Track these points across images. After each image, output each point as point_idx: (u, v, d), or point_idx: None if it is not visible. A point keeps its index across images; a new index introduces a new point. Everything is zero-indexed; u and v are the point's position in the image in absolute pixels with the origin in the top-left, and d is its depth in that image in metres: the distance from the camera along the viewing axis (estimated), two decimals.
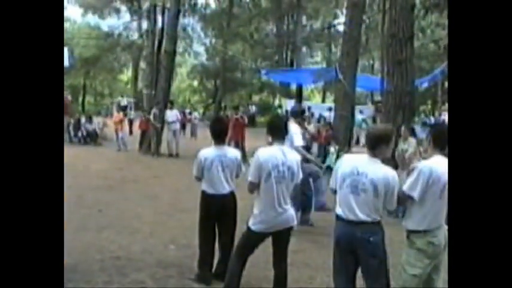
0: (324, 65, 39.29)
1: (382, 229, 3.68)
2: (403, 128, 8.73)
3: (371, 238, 3.57)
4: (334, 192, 3.83)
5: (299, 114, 7.42)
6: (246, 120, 16.22)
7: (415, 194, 3.59)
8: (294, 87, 36.26)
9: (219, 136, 4.92)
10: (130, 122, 21.23)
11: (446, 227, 3.84)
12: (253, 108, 36.60)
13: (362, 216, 3.56)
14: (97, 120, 20.58)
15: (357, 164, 3.66)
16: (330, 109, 19.41)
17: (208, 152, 4.81)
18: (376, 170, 3.58)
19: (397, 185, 3.61)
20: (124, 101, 33.97)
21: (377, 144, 3.65)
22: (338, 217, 3.72)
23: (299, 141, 6.61)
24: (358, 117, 20.92)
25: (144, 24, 34.42)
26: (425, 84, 26.04)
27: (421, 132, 12.97)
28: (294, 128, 6.57)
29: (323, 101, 40.27)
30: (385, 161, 3.73)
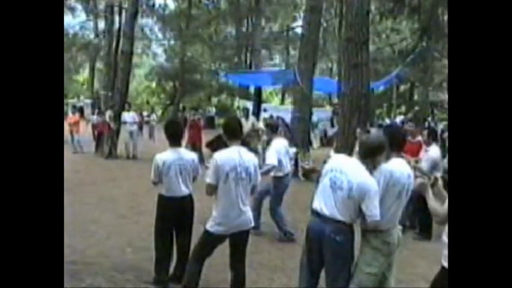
0: (283, 68, 39.53)
1: (352, 232, 3.73)
2: (358, 130, 8.90)
3: (338, 238, 3.63)
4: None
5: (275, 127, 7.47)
6: (202, 122, 16.19)
7: None
8: (253, 89, 36.38)
9: (174, 138, 4.90)
10: (93, 126, 20.74)
11: (399, 227, 3.97)
12: (212, 110, 36.52)
13: (335, 213, 3.62)
14: None
15: (343, 162, 3.76)
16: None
17: (165, 155, 4.78)
18: (356, 173, 3.63)
19: (377, 194, 3.61)
20: (80, 102, 33.26)
21: (371, 155, 3.69)
22: (313, 212, 3.79)
23: (271, 159, 6.53)
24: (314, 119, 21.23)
25: (101, 24, 33.83)
26: (381, 88, 26.64)
27: None
28: (275, 144, 6.73)
29: (282, 103, 40.51)
30: None
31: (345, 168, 3.66)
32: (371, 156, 3.68)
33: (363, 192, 3.57)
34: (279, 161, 6.57)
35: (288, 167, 6.93)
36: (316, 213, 3.74)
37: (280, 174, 6.72)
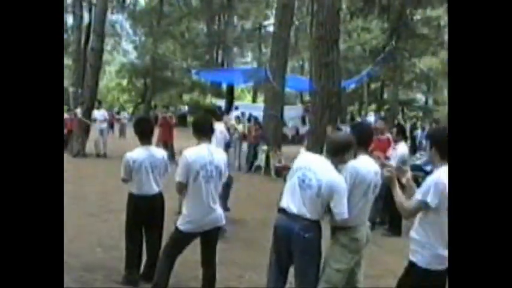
0: (255, 65, 39.61)
1: (320, 229, 3.73)
2: (328, 128, 8.98)
3: (306, 235, 3.62)
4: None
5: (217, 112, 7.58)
6: (174, 120, 16.11)
7: None
8: (225, 87, 36.34)
9: (144, 136, 4.85)
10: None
11: (368, 223, 4.02)
12: (184, 108, 36.33)
13: (303, 210, 3.62)
14: None
15: (311, 160, 3.74)
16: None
17: (137, 153, 4.74)
18: (325, 172, 3.63)
19: (345, 192, 3.63)
20: None
21: (339, 153, 3.71)
22: (280, 210, 3.78)
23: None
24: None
25: (70, 20, 33.24)
26: (352, 86, 26.95)
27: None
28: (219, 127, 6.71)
29: (254, 101, 40.56)
30: None
31: (313, 167, 3.67)
32: (339, 154, 3.71)
33: (332, 190, 3.59)
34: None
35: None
36: (283, 211, 3.73)
37: None
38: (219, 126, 6.64)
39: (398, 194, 3.41)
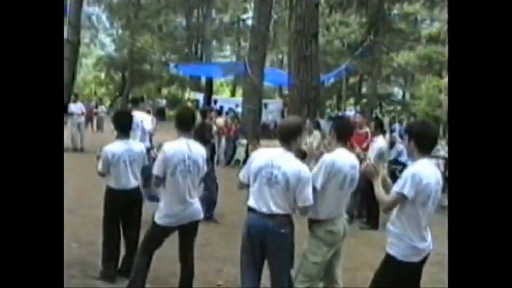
0: (234, 59, 39.52)
1: (292, 223, 3.72)
2: (307, 121, 9.01)
3: (282, 230, 3.61)
4: (246, 185, 3.82)
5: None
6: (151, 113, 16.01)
7: (317, 185, 3.73)
8: (203, 80, 36.18)
9: (123, 130, 4.80)
10: None
11: (345, 216, 4.04)
12: (162, 102, 36.07)
13: (274, 209, 3.59)
14: None
15: (271, 156, 3.68)
16: (237, 105, 19.70)
17: (115, 147, 4.68)
18: (288, 163, 3.62)
19: (309, 180, 3.65)
20: None
21: (290, 137, 3.71)
22: (250, 209, 3.74)
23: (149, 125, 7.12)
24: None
25: None
26: (331, 80, 27.09)
27: (327, 126, 13.48)
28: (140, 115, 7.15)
29: (233, 94, 40.49)
30: (295, 153, 3.81)
31: (275, 162, 3.63)
32: (292, 139, 3.70)
33: (299, 179, 3.58)
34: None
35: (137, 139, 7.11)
36: (254, 211, 3.68)
37: None
38: (139, 115, 7.07)
39: (378, 186, 3.43)
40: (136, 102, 8.07)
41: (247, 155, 13.55)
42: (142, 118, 7.26)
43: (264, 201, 3.62)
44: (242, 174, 3.85)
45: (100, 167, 4.69)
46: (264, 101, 20.45)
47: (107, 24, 41.55)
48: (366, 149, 7.56)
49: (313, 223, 3.85)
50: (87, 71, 47.51)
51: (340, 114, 21.08)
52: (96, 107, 23.94)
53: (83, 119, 15.95)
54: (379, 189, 3.41)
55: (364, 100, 31.75)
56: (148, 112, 8.26)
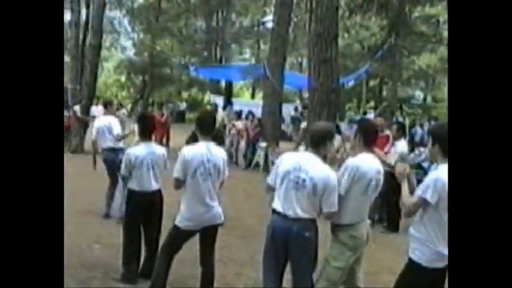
0: (253, 62, 39.53)
1: (316, 227, 3.73)
2: None
3: (306, 234, 3.61)
4: (272, 189, 3.83)
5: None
6: (165, 117, 16.18)
7: (341, 189, 3.70)
8: (223, 83, 36.27)
9: (146, 133, 4.85)
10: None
11: (368, 221, 4.00)
12: (183, 105, 36.24)
13: (300, 212, 3.60)
14: None
15: (299, 160, 3.68)
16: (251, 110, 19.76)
17: (138, 150, 4.74)
18: (317, 168, 3.62)
19: (336, 186, 3.64)
20: None
21: (320, 142, 3.70)
22: (275, 211, 3.74)
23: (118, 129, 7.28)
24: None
25: (67, 16, 33.14)
26: (351, 83, 26.92)
27: (347, 129, 13.40)
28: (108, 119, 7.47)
29: (252, 97, 40.51)
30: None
31: (303, 166, 3.63)
32: (322, 144, 3.70)
33: (326, 185, 3.59)
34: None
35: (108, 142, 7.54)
36: (279, 214, 3.69)
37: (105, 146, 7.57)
38: (107, 119, 7.47)
39: (405, 190, 3.39)
40: (158, 105, 8.24)
41: (266, 158, 13.55)
42: (110, 121, 7.52)
43: (290, 204, 3.62)
44: (270, 178, 3.86)
45: (123, 170, 4.72)
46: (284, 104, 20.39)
47: (128, 28, 41.93)
48: (387, 153, 7.49)
49: (336, 228, 3.82)
50: (108, 74, 48.01)
51: (362, 116, 20.93)
52: (117, 110, 24.17)
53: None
54: (405, 192, 3.37)
55: (385, 103, 31.50)
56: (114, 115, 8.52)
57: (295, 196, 3.61)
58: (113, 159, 7.19)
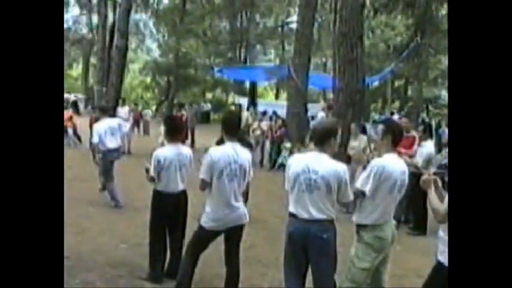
0: (277, 63, 39.50)
1: (335, 227, 3.72)
2: (353, 125, 8.89)
3: (324, 235, 3.60)
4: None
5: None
6: (185, 118, 16.30)
7: (367, 189, 3.69)
8: (247, 84, 36.35)
9: (174, 134, 4.90)
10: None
11: (394, 222, 3.97)
12: (207, 106, 36.44)
13: (316, 214, 3.59)
14: None
15: (307, 161, 3.67)
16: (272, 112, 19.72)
17: (166, 151, 4.78)
18: (326, 165, 3.61)
19: (347, 177, 3.64)
20: (75, 97, 33.21)
21: (325, 139, 3.69)
22: (291, 214, 3.74)
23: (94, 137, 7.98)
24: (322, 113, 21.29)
25: (95, 19, 33.62)
26: (376, 83, 26.68)
27: (372, 130, 13.28)
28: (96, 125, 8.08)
29: (276, 98, 40.49)
30: (337, 157, 3.77)
31: (312, 166, 3.61)
32: (326, 141, 3.68)
33: (339, 179, 3.58)
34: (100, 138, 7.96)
35: (110, 144, 8.12)
36: (295, 217, 3.68)
37: (102, 148, 8.09)
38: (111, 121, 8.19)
39: (434, 197, 3.31)
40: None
41: None
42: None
43: (303, 207, 3.62)
44: (286, 182, 3.86)
45: (152, 171, 4.75)
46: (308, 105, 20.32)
47: (154, 30, 42.40)
48: (412, 155, 7.39)
49: (360, 228, 3.80)
50: (134, 75, 48.61)
51: (387, 117, 20.70)
52: (142, 111, 24.44)
53: (129, 122, 16.31)
54: (435, 200, 3.29)
55: (410, 103, 31.10)
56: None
57: (308, 198, 3.60)
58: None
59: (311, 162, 3.65)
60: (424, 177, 3.54)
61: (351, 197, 3.69)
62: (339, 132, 3.84)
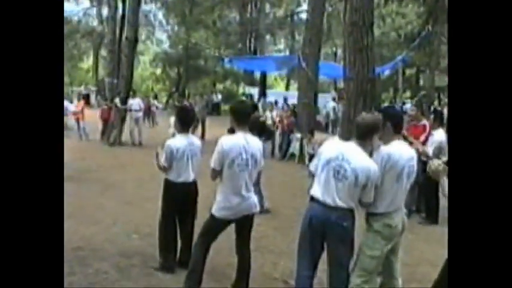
0: (287, 53, 39.37)
1: (354, 217, 3.72)
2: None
3: (344, 223, 3.62)
4: (312, 175, 3.84)
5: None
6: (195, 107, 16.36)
7: None
8: (258, 75, 36.27)
9: (185, 124, 4.92)
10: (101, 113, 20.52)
11: (404, 210, 3.95)
12: (217, 97, 36.44)
13: (339, 202, 3.60)
14: None
15: (342, 150, 3.68)
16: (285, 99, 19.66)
17: (178, 142, 4.80)
18: (360, 159, 3.60)
19: (376, 179, 3.63)
20: (86, 90, 33.39)
21: (367, 134, 3.68)
22: (313, 198, 3.74)
23: None
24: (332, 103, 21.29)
25: (105, 11, 33.65)
26: (387, 72, 26.49)
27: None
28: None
29: (287, 88, 40.38)
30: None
31: (346, 156, 3.61)
32: (368, 137, 3.67)
33: (368, 177, 3.58)
34: None
35: None
36: (317, 202, 3.69)
37: None
38: None
39: (446, 187, 3.31)
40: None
41: (302, 149, 13.51)
42: None
43: (329, 193, 3.63)
44: (313, 164, 3.87)
45: (164, 161, 4.78)
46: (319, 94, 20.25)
47: (163, 21, 42.37)
48: (424, 143, 7.34)
49: (370, 216, 3.79)
50: (144, 67, 48.67)
51: (386, 105, 20.53)
52: (150, 101, 24.48)
53: (141, 114, 16.37)
54: (447, 189, 3.28)
55: (422, 92, 30.89)
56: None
57: (335, 185, 3.61)
58: None
59: (347, 151, 3.66)
60: (433, 167, 3.52)
61: (372, 198, 3.68)
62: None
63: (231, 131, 4.50)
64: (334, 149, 3.73)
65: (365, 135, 3.68)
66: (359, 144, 3.68)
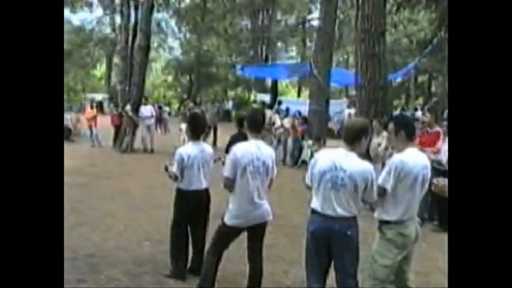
0: (299, 60, 39.38)
1: (357, 224, 3.71)
2: (374, 122, 8.80)
3: (348, 232, 3.60)
4: (309, 188, 3.82)
5: None
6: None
7: (388, 186, 3.65)
8: (269, 82, 36.32)
9: (196, 132, 4.91)
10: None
11: (417, 219, 3.91)
12: (229, 104, 36.53)
13: (340, 211, 3.58)
14: (69, 116, 20.10)
15: (334, 159, 3.65)
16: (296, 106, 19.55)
17: (189, 149, 4.79)
18: (354, 164, 3.59)
19: (375, 178, 3.64)
20: (99, 97, 33.65)
21: (356, 138, 3.67)
22: (314, 211, 3.72)
23: None
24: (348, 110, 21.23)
25: (117, 19, 33.94)
26: (399, 79, 26.39)
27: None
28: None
29: (299, 95, 40.38)
30: (360, 155, 3.74)
31: (340, 164, 3.59)
32: (357, 140, 3.66)
33: (366, 179, 3.58)
34: None
35: None
36: (318, 214, 3.67)
37: None
38: None
39: None
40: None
41: (313, 156, 13.46)
42: None
43: (329, 204, 3.62)
44: (307, 177, 3.86)
45: (176, 169, 4.77)
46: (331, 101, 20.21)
47: (175, 29, 42.64)
48: (437, 151, 7.28)
49: (383, 225, 3.76)
50: (156, 74, 48.99)
51: (398, 113, 20.44)
52: (161, 108, 24.58)
53: (152, 121, 16.44)
54: None
55: (434, 99, 30.70)
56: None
57: (334, 196, 3.59)
58: None
59: (339, 159, 3.63)
60: (439, 185, 3.49)
61: (376, 197, 3.68)
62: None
63: (235, 136, 4.49)
64: (327, 159, 3.69)
65: (354, 140, 3.67)
66: (349, 149, 3.66)
